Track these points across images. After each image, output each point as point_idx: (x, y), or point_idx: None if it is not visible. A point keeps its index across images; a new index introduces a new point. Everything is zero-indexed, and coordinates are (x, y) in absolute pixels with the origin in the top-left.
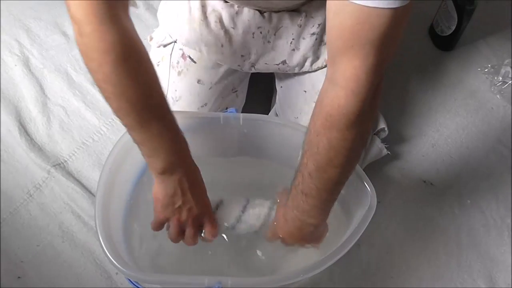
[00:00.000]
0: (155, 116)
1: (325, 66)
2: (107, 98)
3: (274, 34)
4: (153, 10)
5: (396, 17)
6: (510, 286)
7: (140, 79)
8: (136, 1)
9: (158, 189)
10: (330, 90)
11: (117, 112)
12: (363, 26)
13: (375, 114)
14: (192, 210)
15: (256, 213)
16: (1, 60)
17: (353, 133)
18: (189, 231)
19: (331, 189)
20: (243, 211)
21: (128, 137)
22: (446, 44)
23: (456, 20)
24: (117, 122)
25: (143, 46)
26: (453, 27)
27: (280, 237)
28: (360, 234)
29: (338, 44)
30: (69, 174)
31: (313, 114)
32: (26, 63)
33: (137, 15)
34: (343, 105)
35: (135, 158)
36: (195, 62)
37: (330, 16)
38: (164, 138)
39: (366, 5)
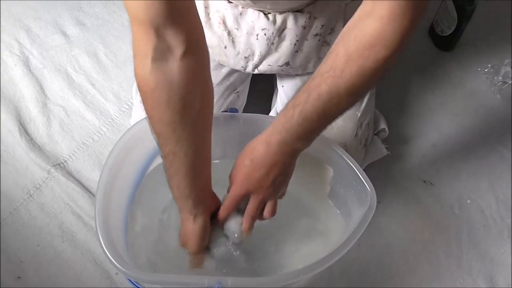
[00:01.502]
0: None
1: None
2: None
3: (278, 36)
4: None
5: None
6: (510, 286)
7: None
8: None
9: None
10: (372, 22)
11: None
12: None
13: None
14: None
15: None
16: (1, 60)
17: (385, 67)
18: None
19: (332, 117)
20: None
21: (128, 136)
22: (446, 44)
23: (456, 20)
24: (117, 122)
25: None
26: (453, 27)
27: (244, 180)
28: (360, 234)
29: None
30: (69, 174)
31: (343, 41)
32: (26, 63)
33: None
34: (387, 38)
35: (135, 158)
36: None
37: None
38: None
39: None
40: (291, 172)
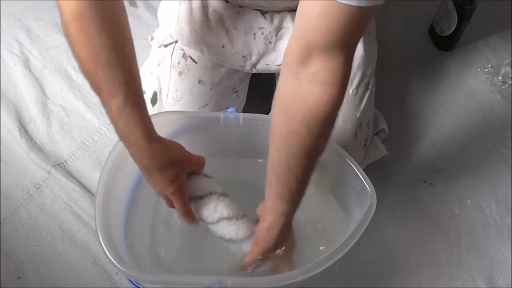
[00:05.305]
0: (106, 82)
1: None
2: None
3: (276, 35)
4: (153, 10)
5: (373, 13)
6: (510, 286)
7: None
8: (136, 1)
9: None
10: (319, 90)
11: (83, 74)
12: (352, 26)
13: None
14: (165, 190)
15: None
16: (1, 60)
17: (334, 124)
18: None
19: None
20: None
21: None
22: (446, 44)
23: (456, 20)
24: None
25: (116, 14)
26: (453, 27)
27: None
28: (360, 234)
29: (323, 44)
30: (69, 174)
31: (298, 118)
32: (26, 63)
33: (137, 15)
34: (338, 100)
35: None
36: (196, 62)
37: (313, 16)
38: (110, 107)
39: (361, 5)
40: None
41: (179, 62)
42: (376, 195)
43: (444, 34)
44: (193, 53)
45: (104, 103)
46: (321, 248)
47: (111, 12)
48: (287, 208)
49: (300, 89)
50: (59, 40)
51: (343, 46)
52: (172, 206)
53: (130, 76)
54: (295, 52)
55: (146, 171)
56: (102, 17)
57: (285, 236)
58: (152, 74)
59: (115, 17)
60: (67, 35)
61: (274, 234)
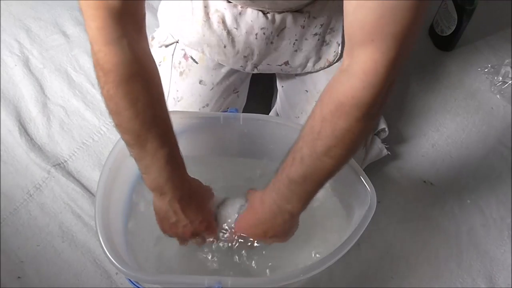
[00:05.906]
0: (151, 136)
1: (327, 66)
2: (109, 113)
3: (277, 35)
4: (153, 10)
5: (418, 10)
6: (510, 286)
7: (141, 101)
8: None
9: (154, 203)
10: (345, 80)
11: (116, 127)
12: (386, 20)
13: (382, 112)
14: (187, 227)
15: None
16: (1, 60)
17: (360, 126)
18: (191, 241)
19: (318, 180)
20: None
21: None
22: (446, 44)
23: (456, 20)
24: None
25: (151, 67)
26: (453, 27)
27: (246, 231)
28: (360, 234)
29: (359, 37)
30: (69, 174)
31: (321, 101)
32: (26, 63)
33: None
34: (358, 96)
35: None
36: (197, 63)
37: (351, 10)
38: (157, 158)
39: None
40: (287, 229)
41: (180, 62)
42: (376, 195)
43: (444, 34)
44: (194, 53)
45: (142, 153)
46: (321, 248)
47: (155, 70)
48: (266, 193)
49: (336, 77)
50: (59, 40)
51: (380, 42)
52: (202, 243)
53: (169, 129)
54: (346, 43)
55: (174, 212)
56: (147, 79)
57: (246, 223)
58: None
59: (156, 75)
60: (109, 96)
61: (262, 212)
